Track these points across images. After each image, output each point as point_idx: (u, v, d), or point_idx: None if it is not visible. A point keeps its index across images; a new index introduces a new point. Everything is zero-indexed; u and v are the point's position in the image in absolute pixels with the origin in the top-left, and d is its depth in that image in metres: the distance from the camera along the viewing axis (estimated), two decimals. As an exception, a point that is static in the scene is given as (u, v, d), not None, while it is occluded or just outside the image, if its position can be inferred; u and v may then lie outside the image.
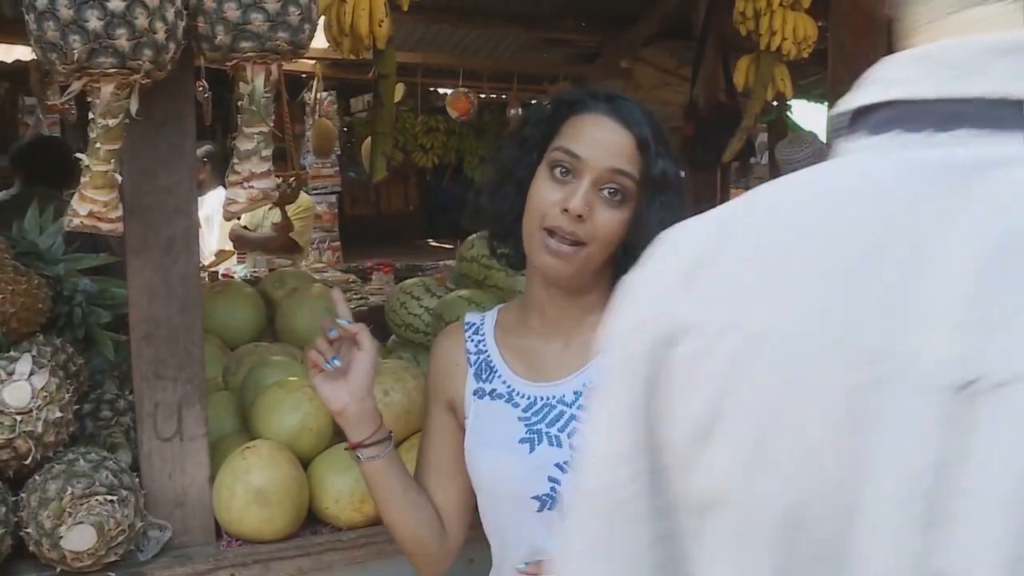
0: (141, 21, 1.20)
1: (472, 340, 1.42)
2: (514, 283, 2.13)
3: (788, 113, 6.83)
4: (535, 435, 1.31)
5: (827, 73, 3.54)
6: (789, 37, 2.90)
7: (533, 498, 1.28)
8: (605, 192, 1.25)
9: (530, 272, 1.36)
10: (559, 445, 1.29)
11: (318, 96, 4.82)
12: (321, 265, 4.93)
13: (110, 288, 1.88)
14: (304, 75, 5.30)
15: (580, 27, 5.95)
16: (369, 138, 6.16)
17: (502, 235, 1.39)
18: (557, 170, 1.26)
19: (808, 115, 7.70)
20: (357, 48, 2.41)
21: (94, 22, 1.18)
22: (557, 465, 1.28)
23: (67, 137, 5.37)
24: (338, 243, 6.64)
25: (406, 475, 1.38)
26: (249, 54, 1.33)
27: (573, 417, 1.30)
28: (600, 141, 1.25)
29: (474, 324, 1.44)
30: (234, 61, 1.35)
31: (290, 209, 4.59)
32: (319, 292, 2.46)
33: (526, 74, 6.39)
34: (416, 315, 2.35)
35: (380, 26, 2.38)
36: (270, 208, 4.89)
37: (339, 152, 6.71)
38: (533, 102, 7.61)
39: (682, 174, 1.32)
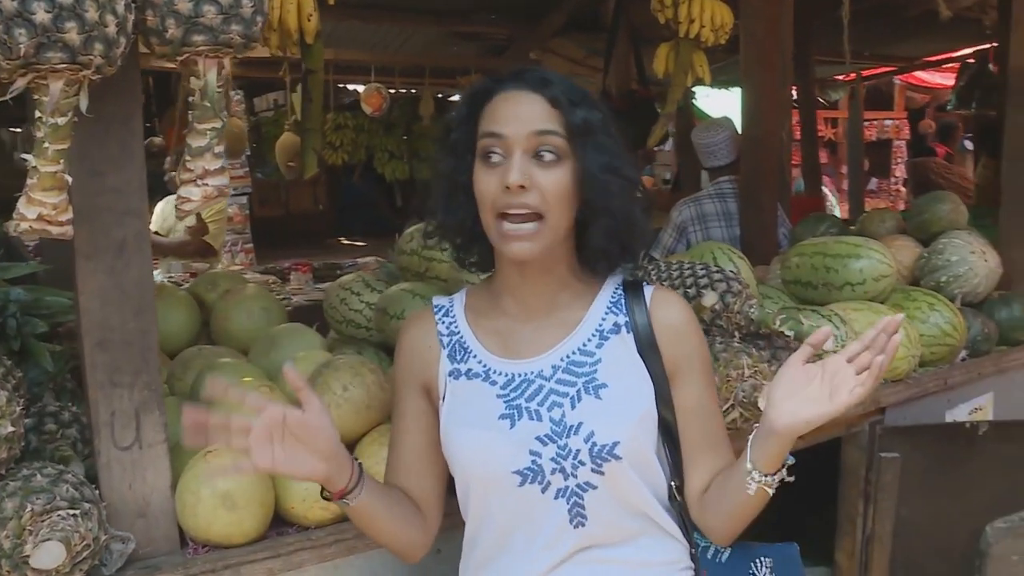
0: (91, 14, 1.16)
1: (443, 322, 1.43)
2: (458, 274, 2.14)
3: (692, 100, 7.01)
4: (515, 411, 1.32)
5: (736, 59, 3.67)
6: (707, 24, 2.98)
7: (514, 473, 1.30)
8: (540, 157, 1.27)
9: (501, 261, 1.38)
10: (539, 419, 1.31)
11: (229, 94, 4.70)
12: (237, 268, 4.81)
13: (43, 297, 1.81)
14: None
15: (490, 20, 5.98)
16: (282, 137, 6.07)
17: (468, 243, 1.40)
18: (489, 157, 1.28)
19: (712, 101, 7.91)
20: (285, 43, 2.37)
21: (41, 15, 1.13)
22: (538, 438, 1.30)
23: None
24: (251, 245, 6.50)
25: (385, 492, 1.37)
26: (201, 48, 1.30)
27: (552, 391, 1.32)
28: (515, 113, 1.28)
29: (443, 307, 1.45)
30: (185, 56, 1.31)
31: (203, 212, 4.47)
32: (254, 292, 2.42)
33: (438, 68, 6.38)
34: (357, 311, 2.33)
35: (308, 20, 2.35)
36: (182, 212, 4.75)
37: (248, 153, 6.56)
38: (440, 96, 7.62)
39: (602, 116, 1.32)
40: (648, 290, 1.40)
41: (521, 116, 1.27)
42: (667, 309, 1.39)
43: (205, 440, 1.18)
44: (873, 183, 11.56)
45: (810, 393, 1.20)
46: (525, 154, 1.26)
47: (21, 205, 1.26)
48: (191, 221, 4.44)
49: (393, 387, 1.48)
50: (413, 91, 6.93)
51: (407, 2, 5.39)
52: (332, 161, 7.85)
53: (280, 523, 1.58)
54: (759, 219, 3.63)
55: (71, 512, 1.31)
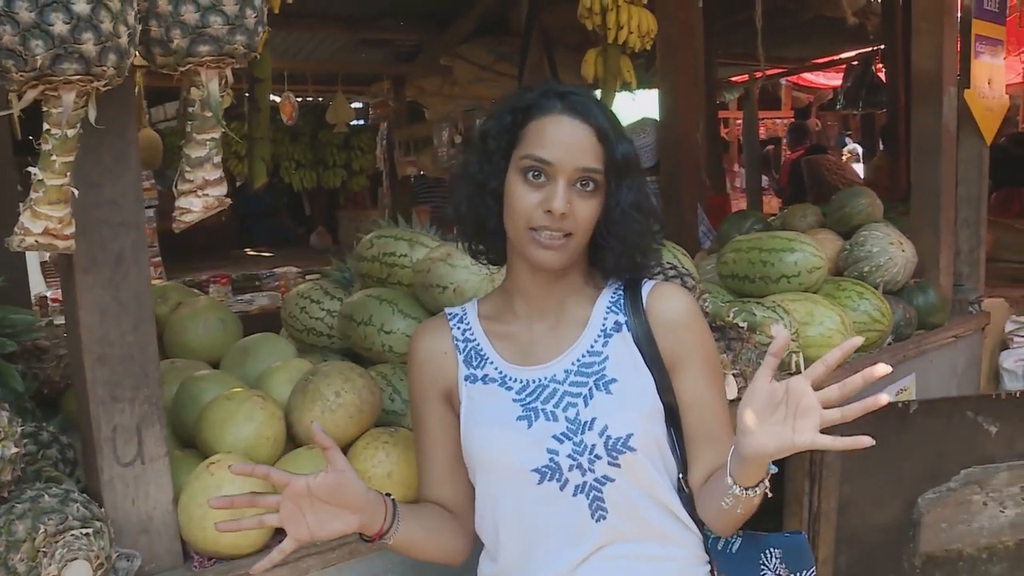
0: (106, 25, 1.14)
1: (458, 328, 1.46)
2: (427, 277, 2.14)
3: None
4: (531, 412, 1.36)
5: (644, 62, 3.81)
6: (635, 31, 3.08)
7: (533, 471, 1.34)
8: (578, 186, 1.34)
9: (514, 262, 1.42)
10: (555, 419, 1.36)
11: (141, 104, 4.55)
12: (158, 281, 4.66)
13: (8, 315, 1.75)
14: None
15: (399, 26, 5.98)
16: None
17: (484, 236, 1.45)
18: (530, 174, 1.33)
19: (619, 104, 8.09)
20: (232, 51, 2.33)
21: (60, 26, 1.11)
22: (554, 437, 1.34)
23: None
24: (159, 259, 6.30)
25: (420, 514, 1.41)
26: (206, 58, 1.29)
27: (567, 393, 1.37)
28: (564, 141, 1.33)
29: (457, 315, 1.48)
30: (188, 66, 1.30)
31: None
32: (207, 304, 2.38)
33: (349, 75, 6.33)
34: (318, 318, 2.33)
35: (255, 28, 2.32)
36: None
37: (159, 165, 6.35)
38: (356, 105, 7.56)
39: (634, 150, 1.41)
40: (646, 287, 1.46)
41: (569, 146, 1.32)
42: (664, 304, 1.44)
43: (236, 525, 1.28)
44: (764, 180, 12.05)
45: (775, 421, 1.17)
46: (568, 183, 1.33)
47: (25, 219, 1.23)
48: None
49: (411, 400, 1.50)
50: (321, 99, 6.86)
51: (317, 8, 5.34)
52: (236, 171, 7.69)
53: (282, 532, 1.57)
54: (681, 218, 3.78)
55: (84, 531, 1.28)
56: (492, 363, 1.42)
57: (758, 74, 7.50)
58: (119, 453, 1.41)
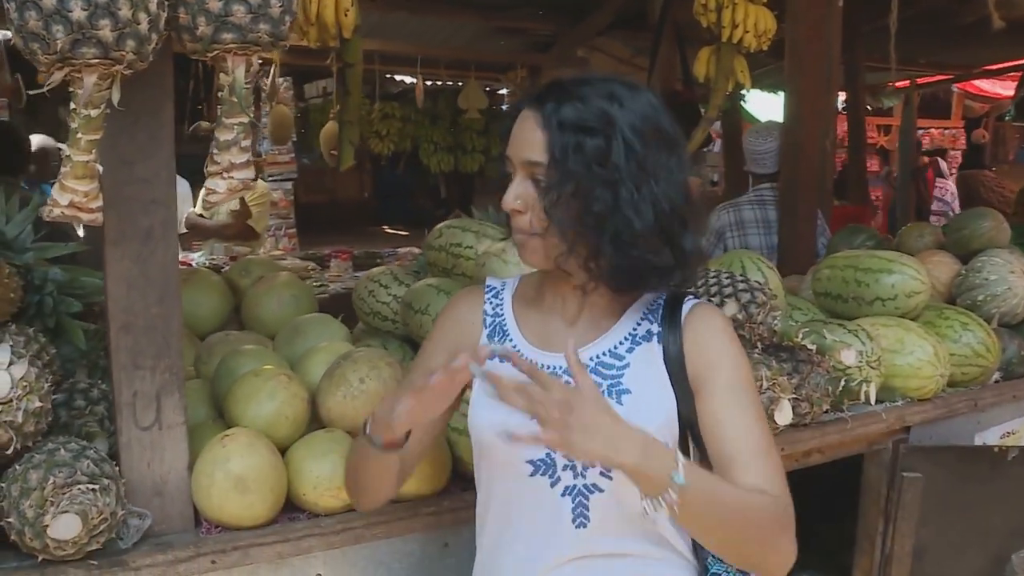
0: (124, 12, 1.20)
1: (491, 303, 1.46)
2: (482, 271, 2.16)
3: (742, 102, 6.94)
4: None
5: (781, 64, 3.64)
6: (751, 30, 2.97)
7: (527, 462, 1.33)
8: (536, 182, 1.28)
9: None
10: None
11: (275, 82, 4.78)
12: (279, 253, 4.90)
13: (79, 277, 1.87)
14: (260, 61, 5.23)
15: (536, 15, 5.98)
16: (327, 125, 6.15)
17: None
18: (508, 173, 1.33)
19: (761, 104, 7.83)
20: (324, 37, 2.41)
21: (78, 12, 1.17)
22: None
23: (15, 122, 5.24)
24: (294, 230, 6.61)
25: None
26: (231, 46, 1.33)
27: None
28: (518, 136, 1.31)
29: (495, 288, 1.49)
30: (215, 52, 1.35)
31: (247, 196, 4.56)
32: (286, 280, 2.47)
33: (483, 62, 6.40)
34: (384, 303, 2.37)
35: (346, 15, 2.39)
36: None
37: (295, 139, 6.66)
38: (488, 89, 7.64)
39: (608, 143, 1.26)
40: (688, 304, 1.40)
41: (520, 140, 1.30)
42: (701, 325, 1.38)
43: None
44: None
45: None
46: (525, 177, 1.29)
47: (54, 191, 1.32)
48: (235, 204, 4.52)
49: (424, 341, 1.50)
50: (459, 83, 6.97)
51: (455, -4, 5.43)
52: (378, 150, 7.92)
53: (292, 509, 1.62)
54: (796, 228, 3.60)
55: (90, 487, 1.36)
56: (512, 341, 1.41)
57: (907, 82, 7.03)
58: (138, 417, 1.48)
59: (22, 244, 1.80)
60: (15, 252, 1.77)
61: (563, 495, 1.33)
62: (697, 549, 1.41)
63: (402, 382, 1.51)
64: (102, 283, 1.91)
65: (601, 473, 1.30)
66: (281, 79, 5.73)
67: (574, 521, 1.32)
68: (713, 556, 1.41)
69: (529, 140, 1.28)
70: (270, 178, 6.04)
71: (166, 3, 1.29)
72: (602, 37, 5.95)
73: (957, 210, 6.54)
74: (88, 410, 1.69)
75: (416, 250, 5.93)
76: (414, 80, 6.14)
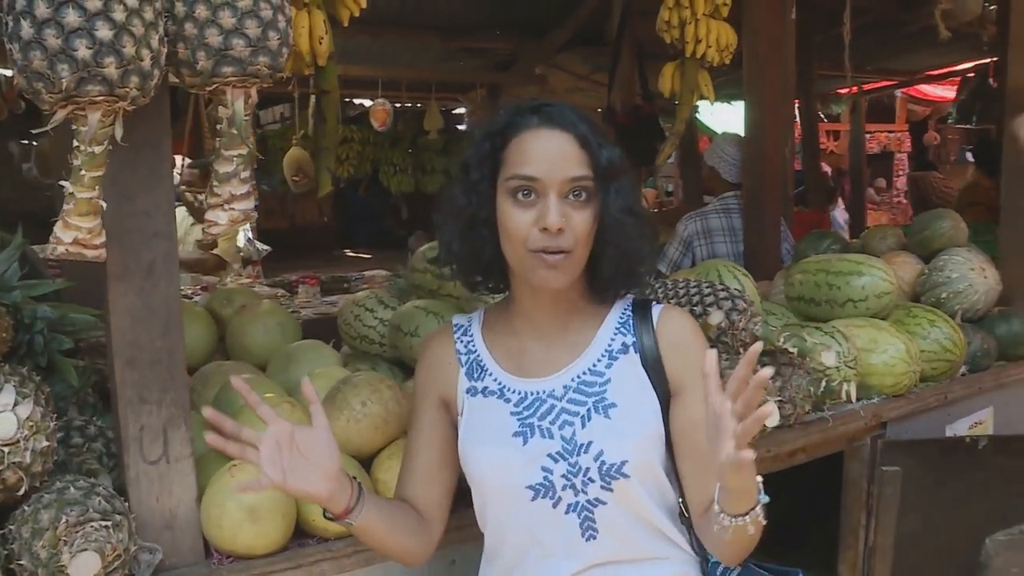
0: (128, 49, 1.22)
1: (461, 341, 1.48)
2: (467, 293, 2.18)
3: (696, 114, 7.07)
4: (527, 428, 1.37)
5: (735, 75, 3.72)
6: (713, 45, 3.04)
7: (527, 488, 1.35)
8: (570, 197, 1.32)
9: (518, 286, 1.43)
10: (550, 437, 1.36)
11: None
12: (247, 281, 4.87)
13: (68, 314, 1.86)
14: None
15: (495, 36, 6.04)
16: (290, 151, 6.13)
17: (481, 268, 1.43)
18: (519, 195, 1.32)
19: (714, 115, 7.97)
20: (299, 65, 2.43)
21: (83, 51, 1.18)
22: (549, 456, 1.35)
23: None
24: (258, 258, 6.54)
25: (385, 505, 1.41)
26: (230, 79, 1.35)
27: (564, 410, 1.37)
28: (547, 154, 1.31)
29: (462, 326, 1.50)
30: (214, 86, 1.37)
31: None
32: (269, 308, 2.47)
33: (444, 83, 6.45)
34: (371, 327, 2.38)
35: (320, 43, 2.41)
36: (192, 224, 4.82)
37: (255, 166, 6.62)
38: (444, 109, 7.70)
39: (619, 153, 1.38)
40: (656, 309, 1.45)
41: (552, 158, 1.31)
42: (672, 327, 1.43)
43: (222, 444, 1.24)
44: (871, 194, 11.63)
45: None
46: (559, 196, 1.31)
47: (57, 229, 1.32)
48: (199, 234, 4.49)
49: (412, 400, 1.53)
50: (419, 105, 7.01)
51: (414, 19, 5.46)
52: (338, 174, 7.92)
53: (301, 535, 1.63)
54: (762, 235, 3.68)
55: (103, 524, 1.36)
56: (491, 375, 1.43)
57: (854, 89, 7.22)
58: (145, 452, 1.48)
59: (9, 282, 1.79)
60: (2, 291, 1.76)
61: (567, 513, 1.36)
62: (695, 544, 1.44)
63: (407, 444, 1.52)
64: (92, 319, 1.92)
65: (602, 487, 1.34)
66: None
67: (583, 535, 1.36)
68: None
69: (567, 156, 1.31)
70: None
71: (165, 39, 1.31)
72: (561, 54, 6.03)
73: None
74: (86, 447, 1.68)
75: (384, 272, 5.93)
76: (372, 103, 6.16)
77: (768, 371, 1.12)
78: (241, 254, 5.08)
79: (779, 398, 2.09)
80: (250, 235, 5.59)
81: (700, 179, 5.09)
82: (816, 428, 2.25)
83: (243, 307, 2.47)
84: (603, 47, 5.90)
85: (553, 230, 1.29)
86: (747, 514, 1.21)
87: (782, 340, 2.20)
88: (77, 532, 1.34)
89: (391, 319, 2.29)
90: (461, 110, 8.65)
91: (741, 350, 2.16)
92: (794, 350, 2.18)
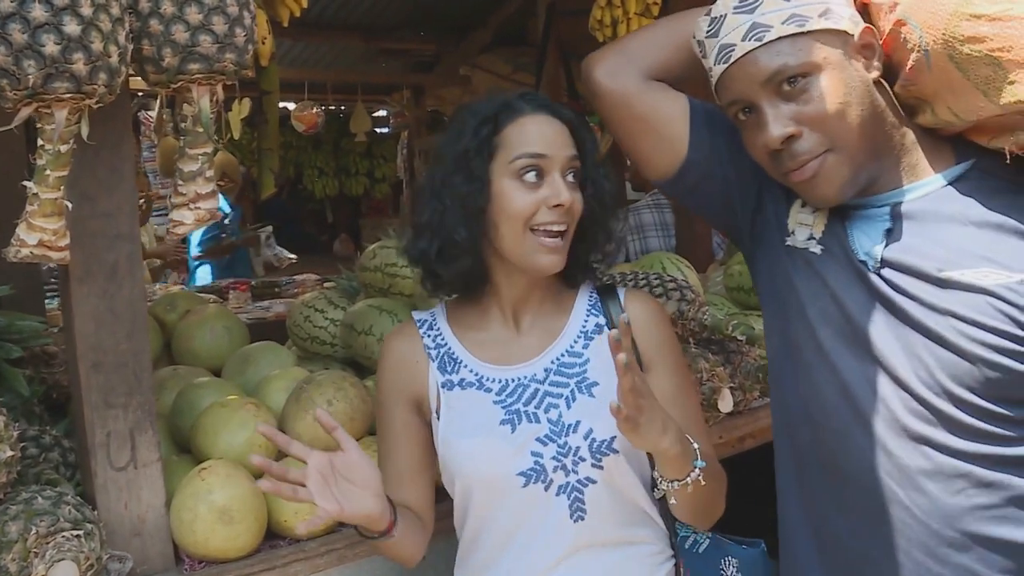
0: (96, 45, 1.19)
1: (428, 335, 1.47)
2: (420, 290, 2.18)
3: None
4: (514, 415, 1.38)
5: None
6: (644, 43, 3.09)
7: (519, 474, 1.36)
8: (570, 178, 1.38)
9: (495, 272, 1.44)
10: (537, 421, 1.37)
11: (162, 115, 4.64)
12: (176, 288, 4.74)
13: (15, 322, 1.80)
14: (140, 92, 5.08)
15: (419, 36, 6.03)
16: (216, 156, 5.99)
17: (468, 261, 1.40)
18: (527, 174, 1.35)
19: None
20: (240, 65, 2.39)
21: (51, 46, 1.15)
22: (538, 439, 1.36)
23: None
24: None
25: (406, 511, 1.40)
26: (196, 76, 1.33)
27: (547, 393, 1.39)
28: (550, 135, 1.37)
29: (425, 321, 1.50)
30: (179, 83, 1.35)
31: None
32: (215, 312, 2.43)
33: (369, 84, 6.40)
34: (322, 327, 2.37)
35: (263, 43, 2.38)
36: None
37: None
38: (380, 113, 7.65)
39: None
40: (621, 291, 1.50)
41: (554, 139, 1.37)
42: (640, 306, 1.48)
43: (276, 488, 1.22)
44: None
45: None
46: (562, 175, 1.36)
47: (21, 231, 1.28)
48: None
49: (377, 403, 1.50)
50: (343, 108, 6.94)
51: (336, 19, 5.41)
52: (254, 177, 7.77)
53: (271, 536, 1.61)
54: (693, 229, 3.77)
55: (75, 533, 1.32)
56: (467, 366, 1.43)
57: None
58: (112, 458, 1.45)
59: (-48, 292, 1.72)
60: (-54, 300, 1.70)
61: (558, 495, 1.37)
62: (666, 518, 1.48)
63: (380, 450, 1.50)
64: (39, 327, 1.87)
65: (592, 465, 1.36)
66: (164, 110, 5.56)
67: (571, 516, 1.37)
68: (678, 522, 1.48)
69: (565, 139, 1.38)
70: (155, 213, 5.84)
71: (131, 35, 1.28)
72: (484, 55, 6.04)
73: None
74: (43, 457, 1.63)
75: (314, 276, 5.86)
76: (295, 106, 6.07)
77: (622, 356, 1.18)
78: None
79: (730, 384, 2.16)
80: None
81: (623, 176, 5.16)
82: (765, 414, 2.31)
83: (188, 312, 2.42)
84: (525, 47, 5.95)
85: (567, 204, 1.34)
86: (684, 478, 1.30)
87: (731, 328, 2.27)
88: (48, 543, 1.30)
89: (343, 319, 2.27)
90: (382, 112, 8.60)
91: (691, 339, 2.22)
92: (742, 338, 2.25)
